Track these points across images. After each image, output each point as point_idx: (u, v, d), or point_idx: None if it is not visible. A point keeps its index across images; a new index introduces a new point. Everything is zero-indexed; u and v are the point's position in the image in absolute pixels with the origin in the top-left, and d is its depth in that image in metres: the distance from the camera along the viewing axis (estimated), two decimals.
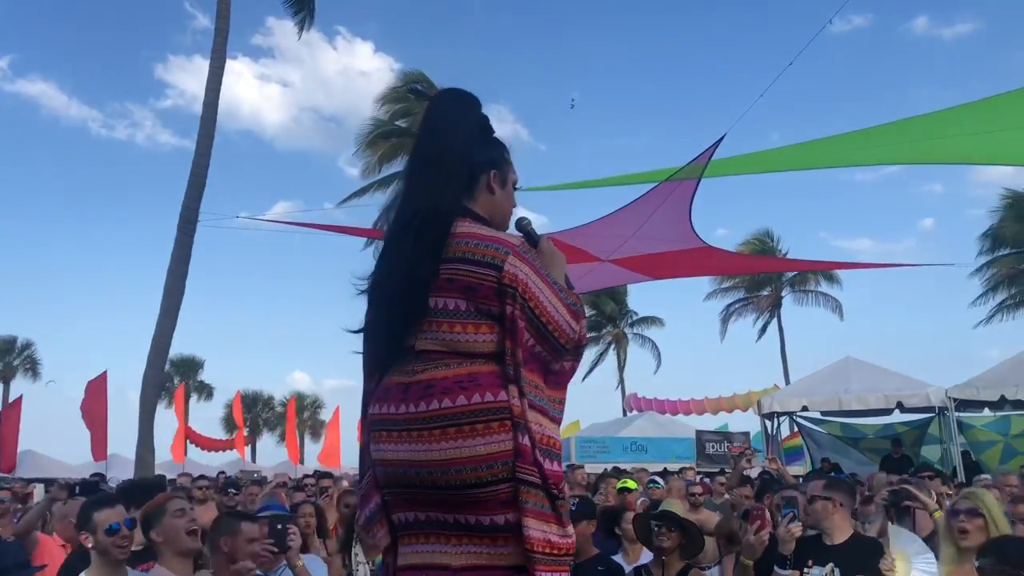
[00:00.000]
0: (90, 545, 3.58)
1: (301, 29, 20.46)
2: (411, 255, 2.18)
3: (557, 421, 2.21)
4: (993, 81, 54.31)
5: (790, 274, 39.45)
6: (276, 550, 4.04)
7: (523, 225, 2.45)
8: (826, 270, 36.71)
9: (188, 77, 60.15)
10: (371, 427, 2.25)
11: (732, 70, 57.29)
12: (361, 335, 2.36)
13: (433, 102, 2.41)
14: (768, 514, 4.19)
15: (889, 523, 4.93)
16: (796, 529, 4.24)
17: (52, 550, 5.59)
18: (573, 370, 2.29)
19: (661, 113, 61.49)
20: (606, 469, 15.70)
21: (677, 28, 59.35)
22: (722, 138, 8.80)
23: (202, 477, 9.55)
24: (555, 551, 2.08)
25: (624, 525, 5.36)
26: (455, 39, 62.35)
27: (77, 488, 5.53)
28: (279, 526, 4.13)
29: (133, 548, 3.67)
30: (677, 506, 4.60)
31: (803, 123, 53.39)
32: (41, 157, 62.71)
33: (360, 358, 2.38)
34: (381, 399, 2.22)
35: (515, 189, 2.46)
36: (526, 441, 2.06)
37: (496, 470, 2.05)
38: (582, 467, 11.68)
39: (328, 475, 10.47)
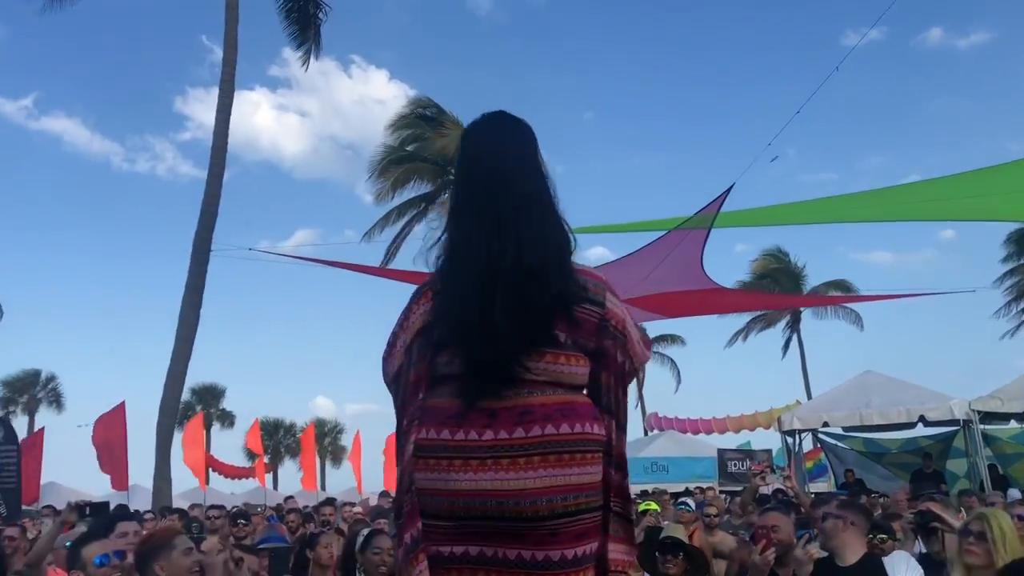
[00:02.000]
0: None
1: (307, 59, 20.64)
2: (539, 286, 2.13)
3: None
4: (1010, 89, 53.87)
5: (808, 288, 39.16)
6: None
7: None
8: (840, 304, 36.47)
9: (206, 109, 60.69)
10: (433, 453, 2.12)
11: (746, 85, 57.31)
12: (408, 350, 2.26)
13: (512, 128, 2.35)
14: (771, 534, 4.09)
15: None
16: (814, 551, 4.13)
17: None
18: None
19: (674, 131, 61.49)
20: None
21: (689, 46, 59.45)
22: (731, 188, 8.79)
23: (216, 507, 9.51)
24: (629, 569, 2.20)
25: None
26: (469, 65, 62.84)
27: (88, 509, 5.43)
28: (278, 558, 4.09)
29: None
30: (680, 531, 4.50)
31: (819, 137, 53.29)
32: (64, 192, 63.58)
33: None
34: (454, 424, 2.11)
35: None
36: (620, 476, 2.19)
37: (581, 501, 2.08)
38: None
39: (330, 502, 10.32)
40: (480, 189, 2.25)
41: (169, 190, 60.15)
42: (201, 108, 57.70)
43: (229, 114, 17.32)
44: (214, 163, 17.10)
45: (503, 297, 2.10)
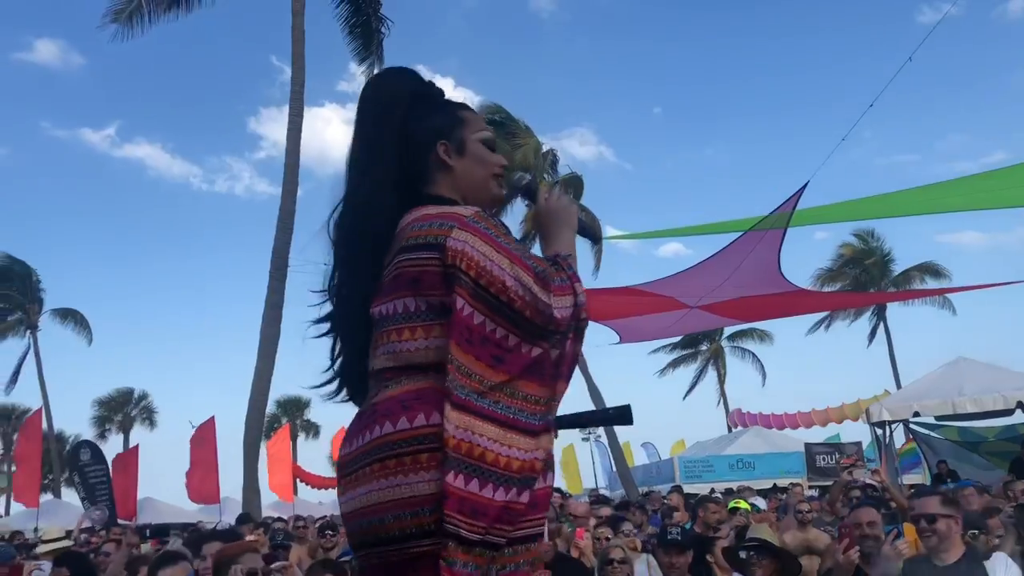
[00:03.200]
0: None
1: (369, 73, 20.85)
2: (353, 264, 1.88)
3: (533, 430, 1.66)
4: None
5: (894, 274, 37.97)
6: None
7: (516, 182, 2.18)
8: (928, 296, 35.29)
9: (279, 128, 61.83)
10: None
11: (816, 71, 55.99)
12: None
13: (360, 95, 2.00)
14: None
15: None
16: (904, 548, 3.97)
17: None
18: (573, 357, 1.77)
19: (745, 121, 60.47)
20: (712, 490, 15.34)
21: (756, 34, 58.39)
22: (805, 186, 8.58)
23: (299, 518, 9.81)
24: None
25: (716, 552, 5.16)
26: (534, 68, 63.01)
27: (148, 531, 5.71)
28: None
29: None
30: (766, 532, 4.37)
31: (897, 119, 51.72)
32: (149, 215, 65.91)
33: None
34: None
35: (490, 147, 1.99)
36: (455, 477, 1.56)
37: (423, 519, 1.60)
38: (679, 489, 11.37)
39: None
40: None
41: (247, 208, 61.86)
42: (274, 127, 59.25)
43: (300, 132, 17.63)
44: (287, 180, 17.44)
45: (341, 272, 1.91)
